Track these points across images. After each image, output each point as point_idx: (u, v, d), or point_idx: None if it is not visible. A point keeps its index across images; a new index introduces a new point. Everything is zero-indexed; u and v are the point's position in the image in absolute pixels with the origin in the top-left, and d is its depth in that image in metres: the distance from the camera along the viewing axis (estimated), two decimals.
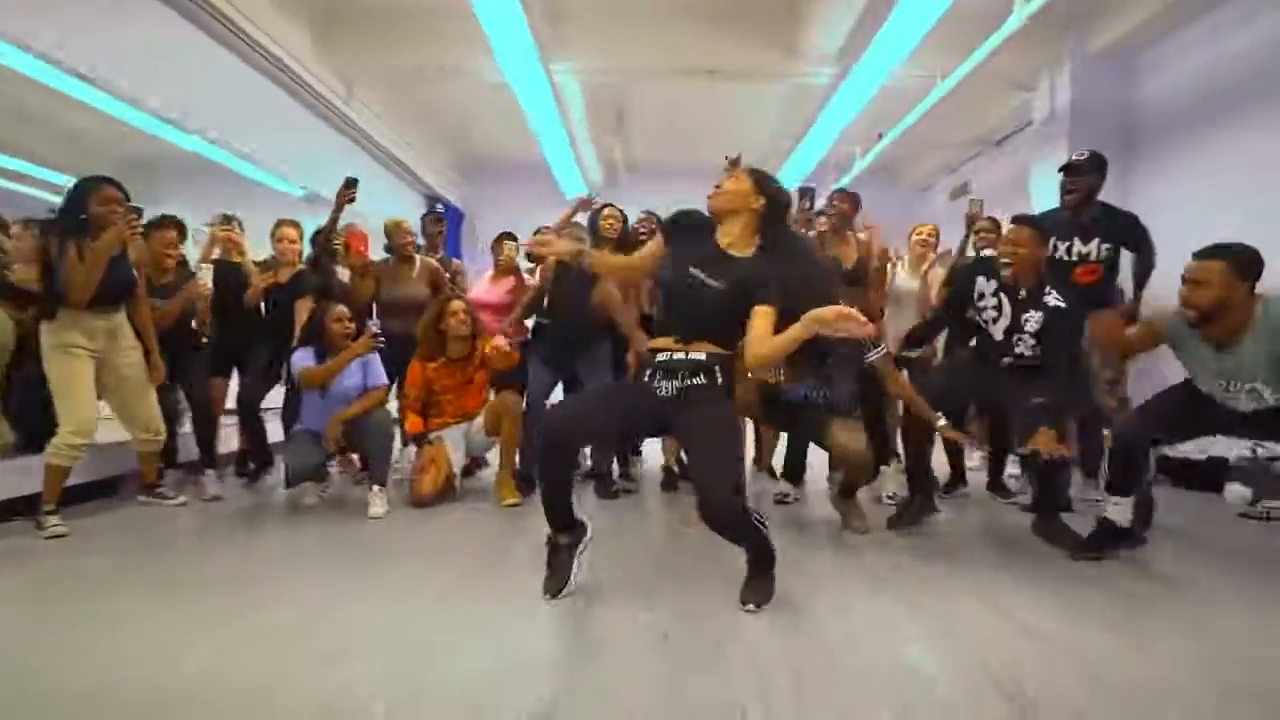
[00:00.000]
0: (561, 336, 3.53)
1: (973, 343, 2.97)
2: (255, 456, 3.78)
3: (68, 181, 2.98)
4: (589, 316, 3.44)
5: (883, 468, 3.47)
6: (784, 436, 3.55)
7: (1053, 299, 2.70)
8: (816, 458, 3.33)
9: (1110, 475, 2.54)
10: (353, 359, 3.24)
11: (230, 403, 3.74)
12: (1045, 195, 5.11)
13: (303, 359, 3.26)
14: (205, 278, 3.67)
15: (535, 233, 2.47)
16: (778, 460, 3.65)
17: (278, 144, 5.13)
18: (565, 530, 2.08)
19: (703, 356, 2.00)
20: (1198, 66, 4.35)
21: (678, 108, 6.49)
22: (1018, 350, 2.75)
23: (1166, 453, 3.43)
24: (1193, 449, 3.53)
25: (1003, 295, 2.80)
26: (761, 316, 1.98)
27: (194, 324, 3.63)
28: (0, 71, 3.12)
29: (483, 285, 4.18)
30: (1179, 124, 4.47)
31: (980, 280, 2.89)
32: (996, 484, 3.62)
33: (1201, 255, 2.25)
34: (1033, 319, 2.70)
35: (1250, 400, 2.32)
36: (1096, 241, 3.14)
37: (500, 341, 3.40)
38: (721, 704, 1.44)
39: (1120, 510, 2.48)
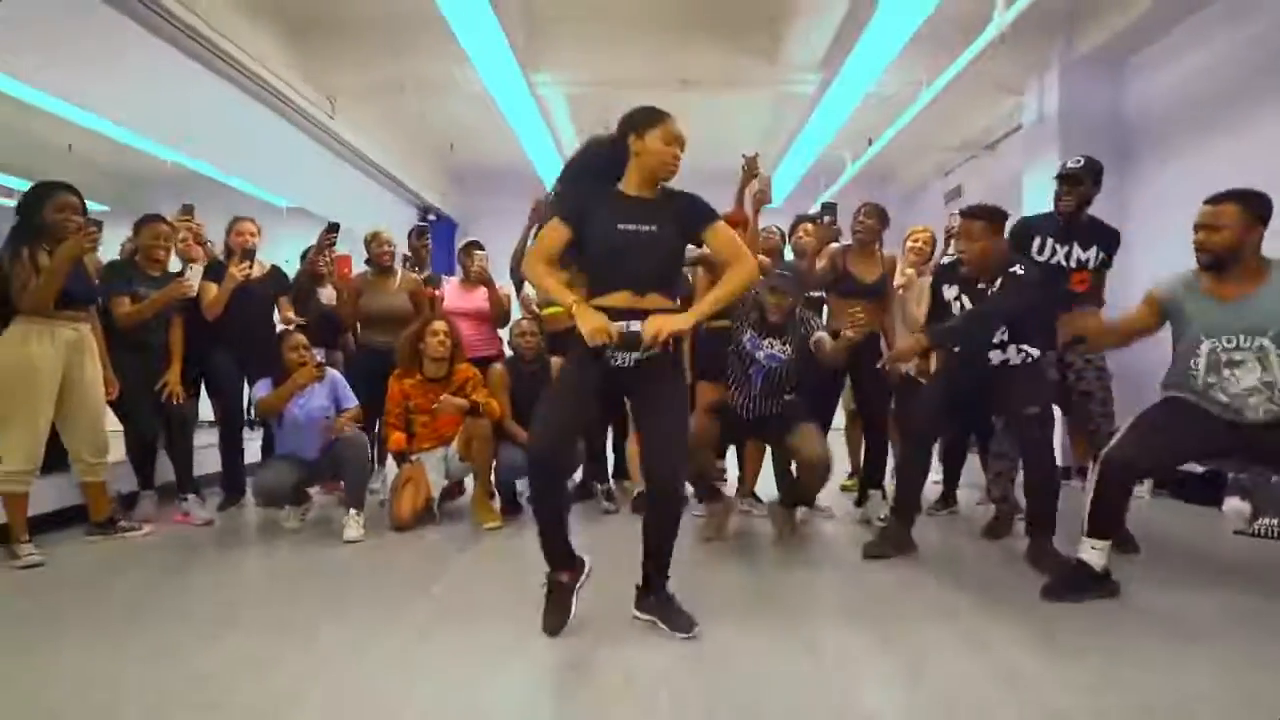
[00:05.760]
0: None
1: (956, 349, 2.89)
2: (226, 483, 3.67)
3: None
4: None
5: (871, 491, 3.41)
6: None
7: (1016, 269, 2.68)
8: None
9: (1089, 514, 2.29)
10: (295, 390, 3.20)
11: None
12: (1037, 199, 5.03)
13: (263, 389, 3.27)
14: (192, 276, 3.26)
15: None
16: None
17: (264, 160, 5.09)
18: (564, 568, 2.00)
19: None
20: (1187, 68, 4.28)
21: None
22: (991, 356, 2.72)
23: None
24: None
25: (965, 297, 2.78)
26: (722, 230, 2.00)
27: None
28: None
29: (453, 294, 3.96)
30: (1170, 126, 4.39)
31: (944, 289, 2.87)
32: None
33: (1214, 200, 2.22)
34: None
35: (1254, 376, 2.13)
36: (1094, 249, 2.95)
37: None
38: None
39: (1098, 555, 2.28)
